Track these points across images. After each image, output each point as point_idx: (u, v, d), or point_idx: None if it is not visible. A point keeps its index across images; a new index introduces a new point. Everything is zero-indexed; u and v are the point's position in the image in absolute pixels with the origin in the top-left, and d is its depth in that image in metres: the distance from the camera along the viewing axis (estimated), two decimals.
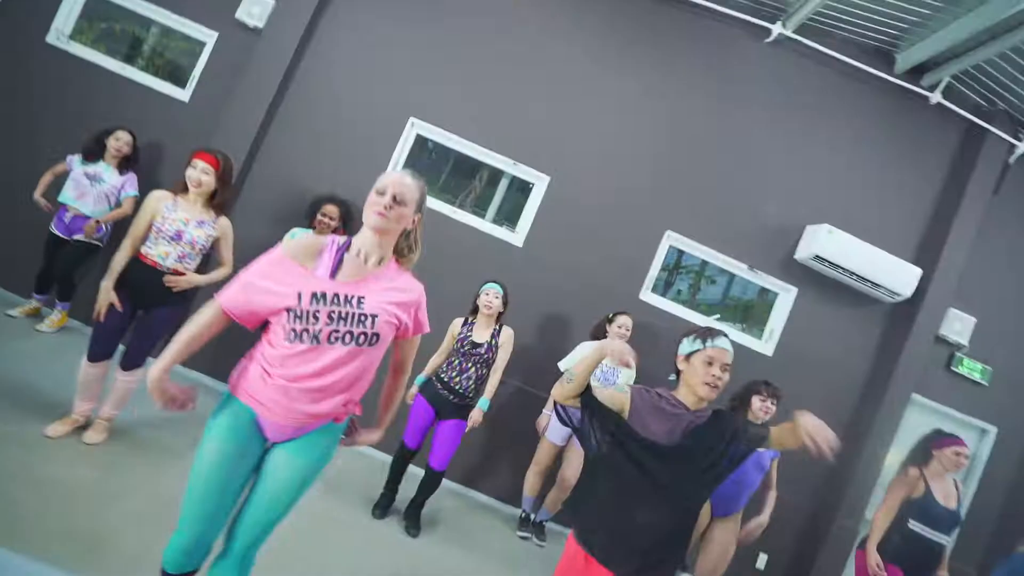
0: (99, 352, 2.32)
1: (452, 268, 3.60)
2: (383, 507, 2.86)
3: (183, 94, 3.88)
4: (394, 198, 1.30)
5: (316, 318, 1.24)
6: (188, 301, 2.57)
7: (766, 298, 4.10)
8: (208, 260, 2.58)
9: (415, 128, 3.87)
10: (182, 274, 2.38)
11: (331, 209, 3.30)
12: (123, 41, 4.14)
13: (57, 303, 3.46)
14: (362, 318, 1.28)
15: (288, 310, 1.24)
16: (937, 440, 2.77)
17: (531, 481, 3.30)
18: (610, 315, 3.34)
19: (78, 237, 3.28)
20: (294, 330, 1.24)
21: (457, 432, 2.81)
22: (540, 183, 3.88)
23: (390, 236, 1.36)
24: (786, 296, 3.96)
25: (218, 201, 2.42)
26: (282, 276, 1.26)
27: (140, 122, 3.65)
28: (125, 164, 3.39)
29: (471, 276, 3.36)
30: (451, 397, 2.77)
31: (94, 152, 3.30)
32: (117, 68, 3.88)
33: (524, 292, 3.41)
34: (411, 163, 3.94)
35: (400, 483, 2.92)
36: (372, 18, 3.85)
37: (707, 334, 1.55)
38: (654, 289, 3.96)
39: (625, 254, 3.88)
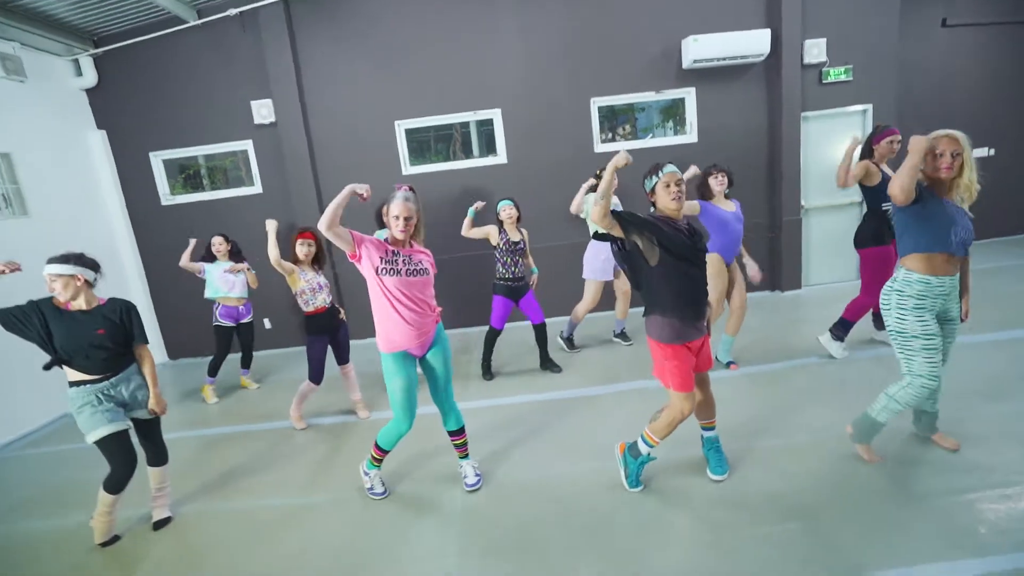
0: (319, 376, 3.63)
1: (471, 198, 5.42)
2: (489, 372, 4.28)
3: (256, 188, 5.71)
4: (406, 219, 2.36)
5: (397, 264, 2.40)
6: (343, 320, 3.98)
7: (680, 103, 5.64)
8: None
9: (402, 126, 5.52)
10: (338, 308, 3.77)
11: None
12: (195, 179, 5.93)
13: (242, 371, 4.80)
14: (416, 265, 2.44)
15: (381, 258, 2.38)
16: (876, 136, 3.48)
17: (581, 313, 4.54)
18: (597, 172, 4.43)
19: (246, 319, 4.59)
20: (384, 269, 2.37)
21: (533, 297, 4.18)
22: (496, 116, 5.49)
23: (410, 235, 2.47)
24: (689, 97, 5.50)
25: (321, 257, 3.68)
26: (376, 242, 2.39)
27: (243, 220, 5.60)
28: (233, 255, 4.55)
29: (487, 198, 5.17)
30: (517, 284, 4.04)
31: (209, 257, 4.50)
32: (207, 196, 5.75)
33: (522, 190, 5.21)
34: (410, 148, 5.64)
35: (492, 355, 4.34)
36: (334, 61, 5.37)
37: (656, 168, 2.27)
38: (603, 141, 5.63)
39: (571, 129, 5.51)
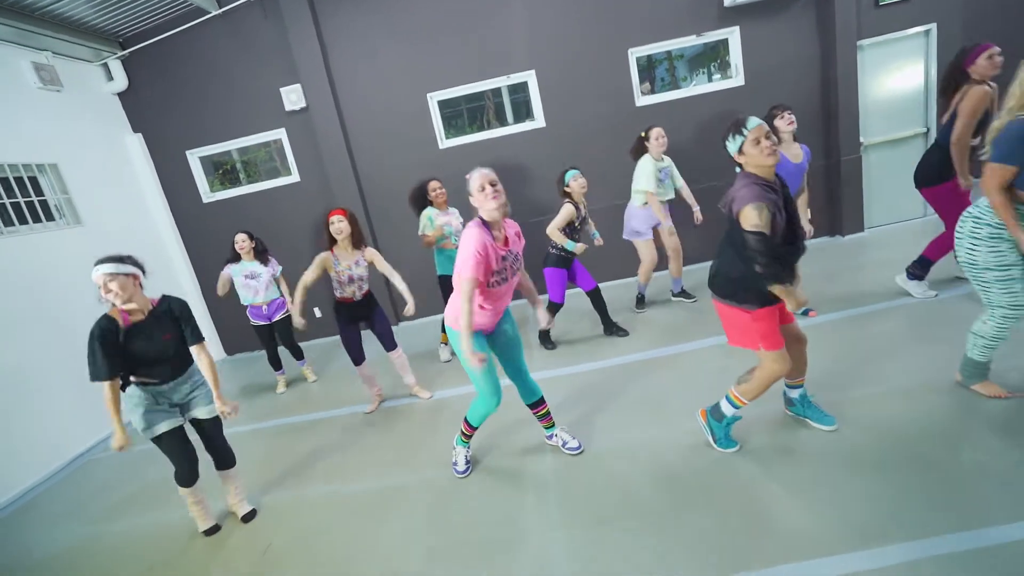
0: (358, 358, 3.61)
1: (510, 166, 5.28)
2: (549, 340, 4.19)
3: (294, 177, 5.67)
4: (492, 185, 2.17)
5: (505, 270, 2.27)
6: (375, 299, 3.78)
7: (725, 45, 5.31)
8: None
9: (434, 98, 5.36)
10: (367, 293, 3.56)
11: (436, 183, 4.17)
12: (232, 175, 5.92)
13: (297, 362, 4.74)
14: (516, 260, 2.32)
15: (492, 271, 2.22)
16: (965, 58, 3.05)
17: (645, 275, 4.38)
18: (643, 132, 4.18)
19: (278, 316, 4.46)
20: (495, 281, 2.24)
21: (579, 262, 4.06)
22: (531, 78, 5.27)
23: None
24: (733, 37, 5.16)
25: (357, 238, 3.42)
26: (489, 251, 2.17)
27: (284, 210, 5.59)
28: (259, 254, 4.36)
29: (535, 167, 5.03)
30: (568, 252, 3.86)
31: (234, 258, 4.33)
32: (247, 190, 5.74)
33: (562, 153, 5.03)
34: (444, 121, 5.49)
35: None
36: (359, 40, 5.22)
37: (739, 126, 2.01)
38: (644, 94, 5.36)
39: (610, 84, 5.26)
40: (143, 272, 2.51)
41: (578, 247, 3.82)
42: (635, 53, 5.23)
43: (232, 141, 5.60)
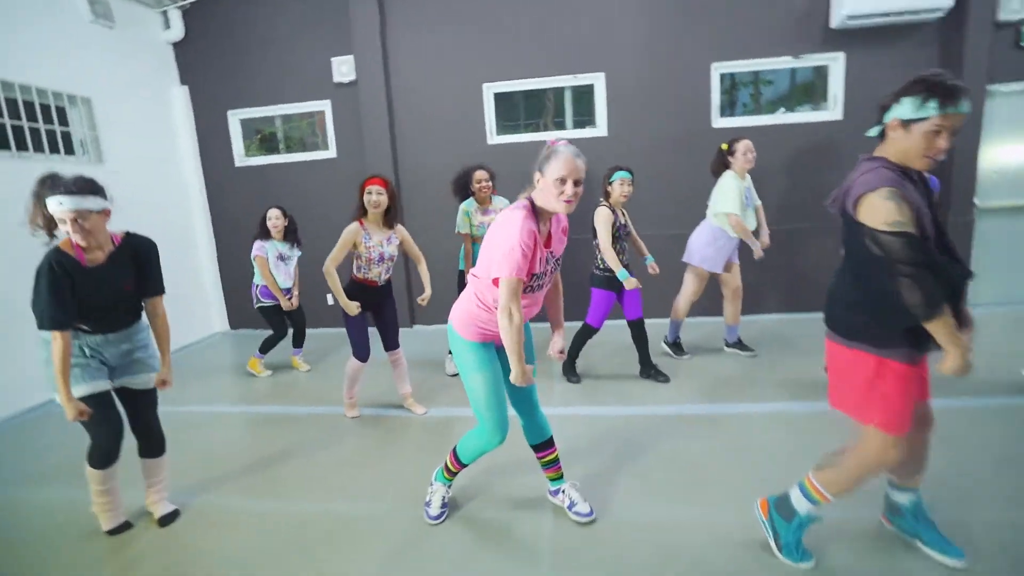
0: (366, 353, 3.03)
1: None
2: (574, 373, 3.55)
3: (331, 152, 5.33)
4: (576, 184, 1.62)
5: (544, 274, 1.78)
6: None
7: (823, 72, 4.66)
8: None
9: (491, 89, 4.93)
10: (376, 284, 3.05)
11: (482, 174, 3.66)
12: (271, 141, 5.66)
13: (294, 351, 4.30)
14: (556, 264, 1.86)
15: (532, 274, 1.70)
16: None
17: (683, 308, 3.80)
18: (727, 145, 3.59)
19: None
20: (531, 286, 1.73)
21: (637, 291, 3.38)
22: (598, 81, 4.77)
23: None
24: (836, 64, 4.51)
25: (392, 214, 2.95)
26: (534, 246, 1.65)
27: (315, 185, 5.24)
28: (289, 234, 4.03)
29: (591, 179, 4.47)
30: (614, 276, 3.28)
31: (263, 234, 3.93)
32: (281, 159, 5.44)
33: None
34: (497, 115, 5.04)
35: (580, 354, 3.59)
36: (422, 18, 4.87)
37: (948, 95, 1.31)
38: (724, 115, 4.76)
39: (686, 98, 4.68)
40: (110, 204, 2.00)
41: (630, 281, 3.21)
42: (719, 69, 4.65)
43: (276, 106, 5.33)
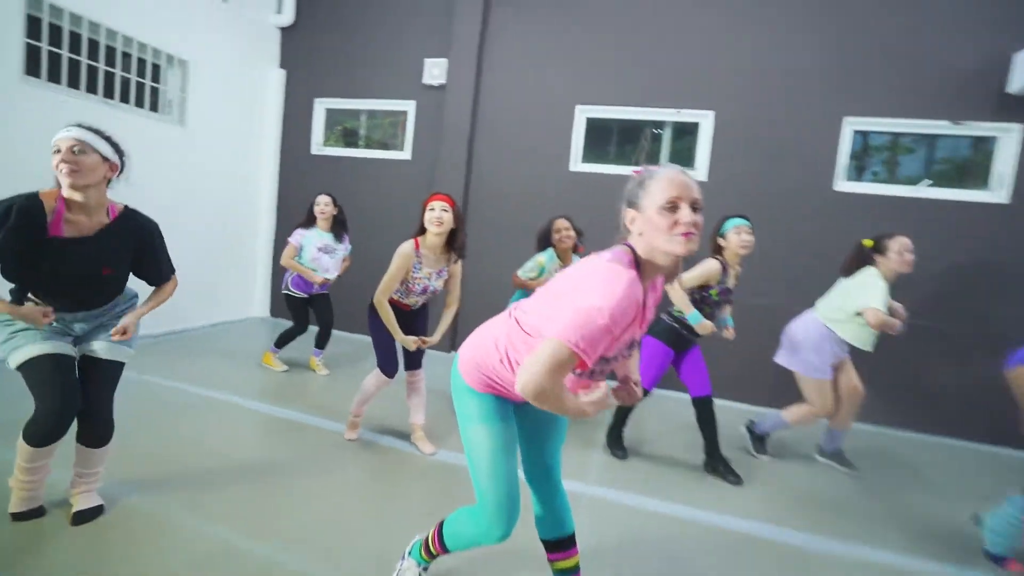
0: (393, 369, 2.62)
1: None
2: (620, 446, 2.90)
3: (406, 155, 5.10)
4: (694, 206, 1.09)
5: (618, 359, 1.24)
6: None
7: (984, 146, 3.86)
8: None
9: (584, 112, 4.52)
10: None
11: (563, 223, 3.17)
12: (351, 135, 5.56)
13: (315, 351, 3.92)
14: (634, 346, 1.30)
15: (604, 358, 1.17)
16: None
17: (799, 421, 2.95)
18: (873, 240, 2.85)
19: (320, 291, 3.79)
20: (597, 371, 1.23)
21: (701, 355, 2.82)
22: (706, 120, 4.23)
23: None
24: (1008, 136, 3.70)
25: (459, 243, 2.48)
26: (631, 321, 1.10)
27: (384, 184, 5.00)
28: (337, 224, 3.72)
29: None
30: (687, 331, 2.72)
31: (308, 221, 3.66)
32: (355, 153, 5.29)
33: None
34: (586, 140, 4.61)
35: (627, 423, 2.97)
36: (524, 31, 4.60)
37: None
38: (848, 176, 4.04)
39: (806, 151, 4.02)
40: (122, 168, 1.74)
41: (704, 325, 2.58)
42: (852, 124, 3.98)
43: (361, 100, 5.22)
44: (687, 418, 3.07)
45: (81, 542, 1.70)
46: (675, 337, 2.75)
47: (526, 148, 4.64)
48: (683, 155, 4.44)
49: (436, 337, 2.57)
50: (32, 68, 3.45)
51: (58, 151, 1.55)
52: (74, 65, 3.67)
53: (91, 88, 3.80)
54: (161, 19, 4.13)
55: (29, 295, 1.66)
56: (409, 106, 5.06)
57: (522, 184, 4.62)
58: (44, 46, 3.48)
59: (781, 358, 2.98)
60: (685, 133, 4.44)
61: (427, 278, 2.48)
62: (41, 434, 1.63)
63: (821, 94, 3.98)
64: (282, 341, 3.84)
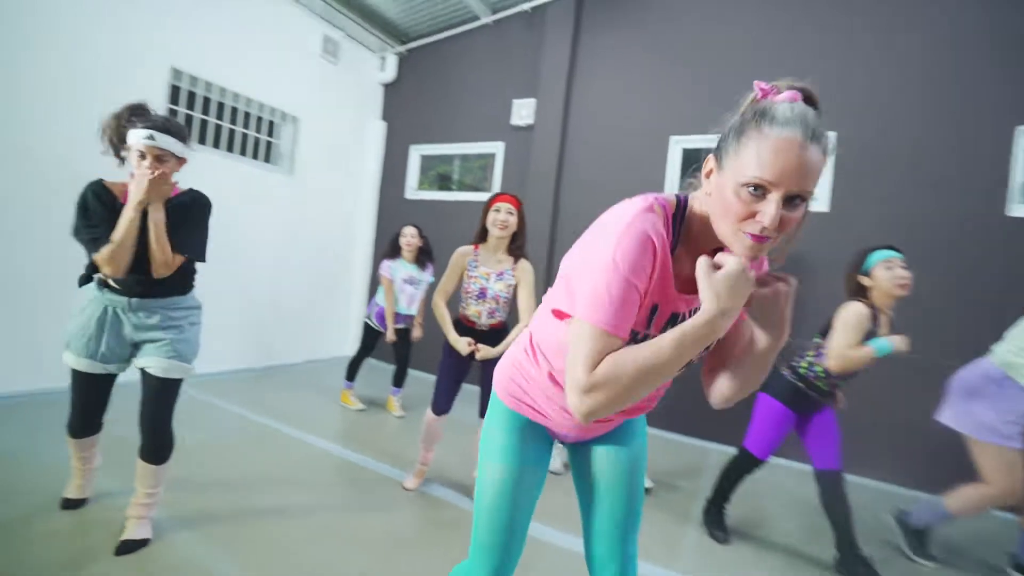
0: (444, 407, 2.44)
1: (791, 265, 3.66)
2: (722, 526, 2.38)
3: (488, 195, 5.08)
4: (795, 196, 0.75)
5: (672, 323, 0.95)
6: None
7: None
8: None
9: (679, 143, 4.18)
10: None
11: None
12: (445, 179, 5.70)
13: (392, 389, 3.84)
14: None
15: (636, 332, 0.90)
16: None
17: (969, 507, 2.20)
18: None
19: (400, 326, 3.71)
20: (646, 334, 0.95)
21: (834, 420, 2.26)
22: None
23: None
24: None
25: (519, 243, 2.38)
26: (650, 276, 0.83)
27: (472, 226, 4.95)
28: (422, 255, 3.72)
29: (813, 263, 3.37)
30: (816, 390, 2.22)
31: (393, 252, 3.68)
32: (448, 197, 5.37)
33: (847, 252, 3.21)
34: (683, 172, 4.23)
35: (732, 495, 2.41)
36: (612, 64, 4.43)
37: None
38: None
39: (965, 173, 3.28)
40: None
41: (898, 340, 2.02)
42: None
43: (452, 144, 5.35)
44: (809, 495, 2.44)
45: (118, 571, 1.63)
46: (798, 397, 2.22)
47: (618, 182, 4.37)
48: None
49: (497, 349, 2.35)
50: None
51: (142, 156, 1.63)
52: (203, 124, 4.15)
53: (216, 143, 4.26)
54: (278, 81, 4.59)
55: (98, 275, 1.75)
56: (498, 147, 5.07)
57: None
58: (182, 110, 3.98)
59: (946, 416, 2.29)
60: None
61: (484, 278, 2.33)
62: (71, 426, 1.89)
63: (983, 100, 3.27)
64: (351, 371, 3.85)
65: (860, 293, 2.16)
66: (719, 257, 0.80)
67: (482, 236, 2.37)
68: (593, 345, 0.80)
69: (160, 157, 1.65)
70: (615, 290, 0.79)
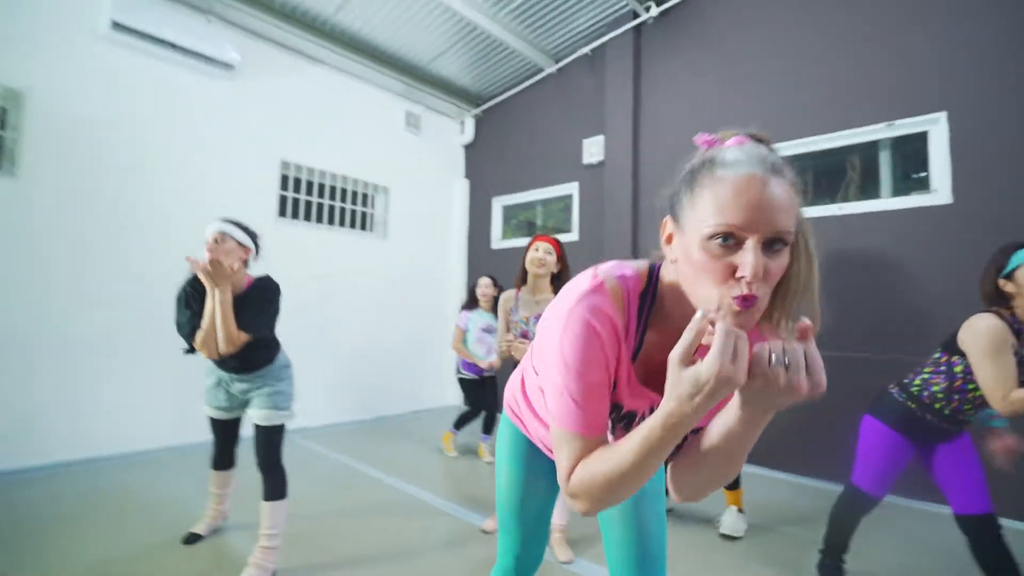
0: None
1: (893, 268, 3.22)
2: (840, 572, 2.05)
3: (574, 236, 5.10)
4: (773, 239, 0.65)
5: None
6: None
7: None
8: None
9: None
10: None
11: None
12: (530, 226, 5.86)
13: (482, 436, 3.90)
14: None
15: (618, 407, 0.86)
16: None
17: None
18: None
19: (488, 374, 3.79)
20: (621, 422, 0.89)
21: (972, 450, 1.84)
22: (936, 126, 3.20)
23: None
24: None
25: (561, 280, 2.40)
26: (592, 364, 0.76)
27: None
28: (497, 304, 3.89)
29: (923, 266, 2.94)
30: (937, 419, 1.82)
31: (471, 303, 3.83)
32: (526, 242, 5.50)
33: (975, 252, 2.69)
34: None
35: (851, 542, 2.03)
36: (675, 90, 4.33)
37: None
38: None
39: None
40: (256, 250, 2.13)
41: None
42: None
43: (529, 192, 5.51)
44: (952, 544, 1.97)
45: None
46: (912, 422, 1.86)
47: None
48: (911, 175, 3.38)
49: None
50: (282, 211, 4.57)
51: (207, 243, 1.93)
52: (308, 204, 4.75)
53: (319, 219, 4.84)
54: (369, 158, 5.14)
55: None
56: (573, 188, 5.12)
57: None
58: (290, 194, 4.60)
59: None
60: (908, 150, 3.41)
61: (524, 322, 2.36)
62: (213, 458, 2.35)
63: None
64: (460, 422, 3.95)
65: (999, 301, 1.74)
66: (758, 348, 0.62)
67: (523, 278, 2.43)
68: (569, 450, 0.76)
69: (222, 244, 1.93)
70: (574, 391, 0.75)
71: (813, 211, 3.66)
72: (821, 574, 2.06)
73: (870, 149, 3.54)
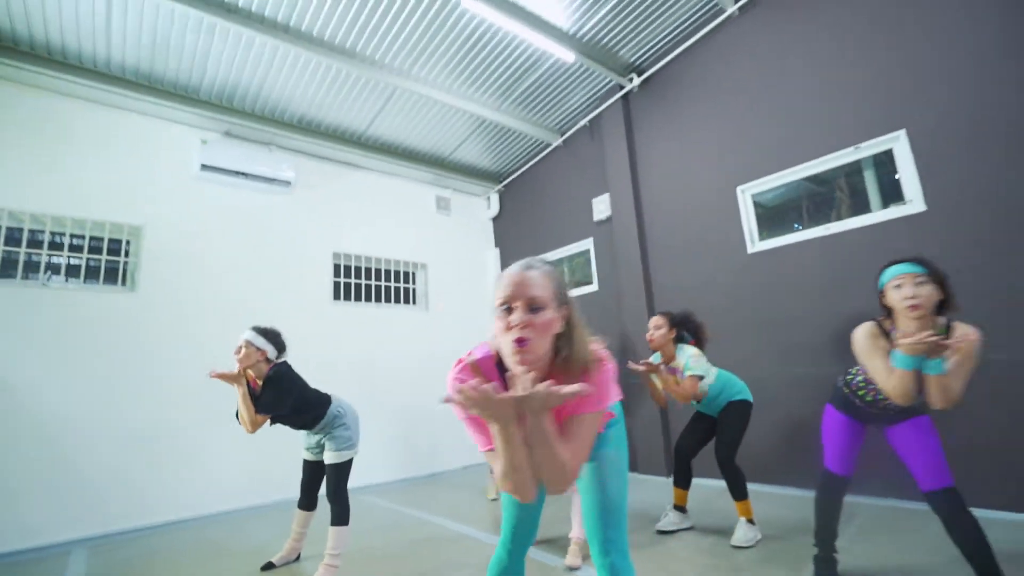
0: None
1: (842, 273, 3.39)
2: (830, 567, 2.14)
3: (594, 287, 5.49)
4: (531, 304, 1.15)
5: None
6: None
7: None
8: None
9: (747, 192, 4.22)
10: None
11: (654, 320, 3.11)
12: None
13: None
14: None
15: None
16: None
17: None
18: None
19: None
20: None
21: (930, 429, 1.95)
22: (898, 142, 3.43)
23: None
24: None
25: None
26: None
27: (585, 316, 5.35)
28: None
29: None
30: (872, 406, 2.03)
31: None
32: None
33: (950, 256, 2.85)
34: (764, 219, 4.19)
35: (838, 529, 2.14)
36: (665, 142, 4.79)
37: None
38: None
39: None
40: (277, 350, 2.65)
41: (906, 344, 1.74)
42: None
43: (551, 252, 6.01)
44: (952, 544, 2.04)
45: None
46: (848, 404, 2.10)
47: (698, 244, 4.48)
48: (893, 189, 3.58)
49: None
50: (336, 294, 5.32)
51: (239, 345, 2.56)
52: (358, 286, 5.49)
53: (368, 297, 5.55)
54: (407, 241, 5.89)
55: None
56: (588, 243, 5.58)
57: (703, 278, 4.37)
58: (342, 280, 5.37)
59: None
60: (891, 167, 3.62)
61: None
62: (299, 503, 2.83)
63: None
64: None
65: (887, 311, 1.94)
66: None
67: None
68: (490, 461, 1.19)
69: (244, 345, 2.51)
70: (467, 427, 1.23)
71: (793, 237, 3.88)
72: (816, 565, 2.18)
73: (855, 170, 3.78)
